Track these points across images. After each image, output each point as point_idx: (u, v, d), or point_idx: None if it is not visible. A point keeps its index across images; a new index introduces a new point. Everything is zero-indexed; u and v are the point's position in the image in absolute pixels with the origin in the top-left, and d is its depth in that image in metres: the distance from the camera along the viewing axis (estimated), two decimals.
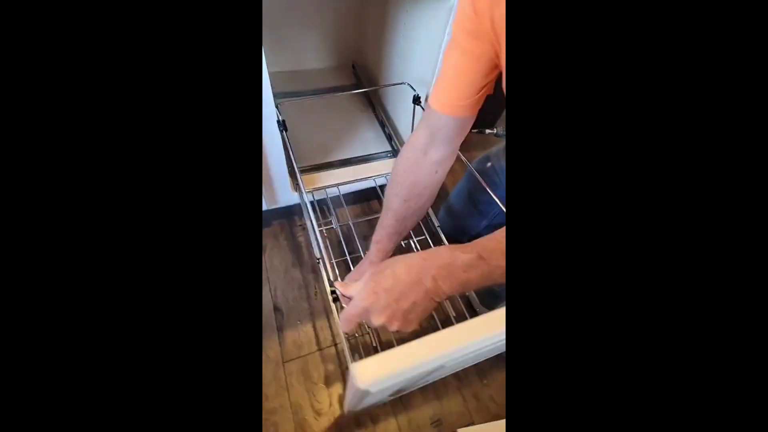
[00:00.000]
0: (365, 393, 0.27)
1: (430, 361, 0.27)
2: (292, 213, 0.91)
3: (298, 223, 0.90)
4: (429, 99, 0.51)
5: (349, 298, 0.43)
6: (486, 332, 0.29)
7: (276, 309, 0.77)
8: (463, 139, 0.54)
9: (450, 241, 0.80)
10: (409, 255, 0.39)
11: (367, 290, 0.38)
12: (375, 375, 0.25)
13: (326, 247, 0.79)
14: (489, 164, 0.69)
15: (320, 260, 0.65)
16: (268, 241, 0.87)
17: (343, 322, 0.41)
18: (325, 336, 0.74)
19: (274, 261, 0.84)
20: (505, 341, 0.32)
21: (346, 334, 0.67)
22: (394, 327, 0.37)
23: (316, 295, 0.79)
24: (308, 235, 0.88)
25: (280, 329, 0.74)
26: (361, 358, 0.66)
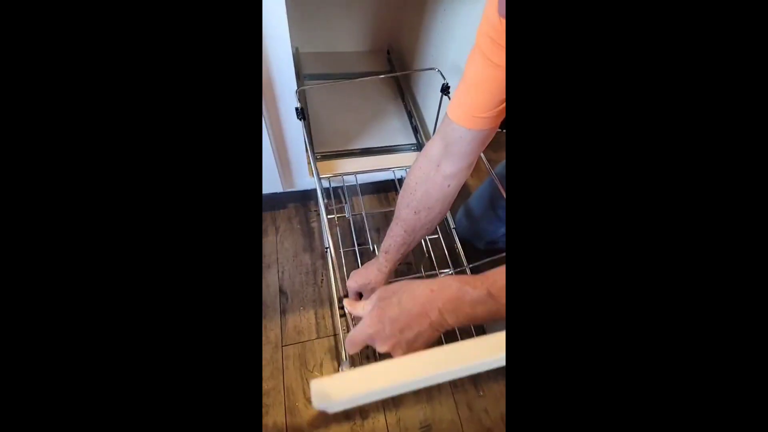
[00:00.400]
0: (323, 410, 0.25)
1: (393, 389, 0.26)
2: (308, 197, 0.91)
3: (313, 209, 0.90)
4: (447, 108, 0.48)
5: (356, 318, 0.43)
6: (461, 362, 0.26)
7: (281, 292, 0.78)
8: (480, 152, 0.51)
9: (464, 245, 0.77)
10: (417, 282, 0.39)
11: (372, 317, 0.39)
12: (332, 396, 0.24)
13: (334, 235, 0.78)
14: None
15: (328, 249, 0.65)
16: (281, 223, 0.87)
17: (348, 345, 0.41)
18: (326, 325, 0.74)
19: (285, 244, 0.84)
20: (484, 368, 0.30)
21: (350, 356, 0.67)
22: (397, 355, 0.38)
23: (322, 282, 0.79)
24: (321, 221, 0.87)
25: (283, 312, 0.75)
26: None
